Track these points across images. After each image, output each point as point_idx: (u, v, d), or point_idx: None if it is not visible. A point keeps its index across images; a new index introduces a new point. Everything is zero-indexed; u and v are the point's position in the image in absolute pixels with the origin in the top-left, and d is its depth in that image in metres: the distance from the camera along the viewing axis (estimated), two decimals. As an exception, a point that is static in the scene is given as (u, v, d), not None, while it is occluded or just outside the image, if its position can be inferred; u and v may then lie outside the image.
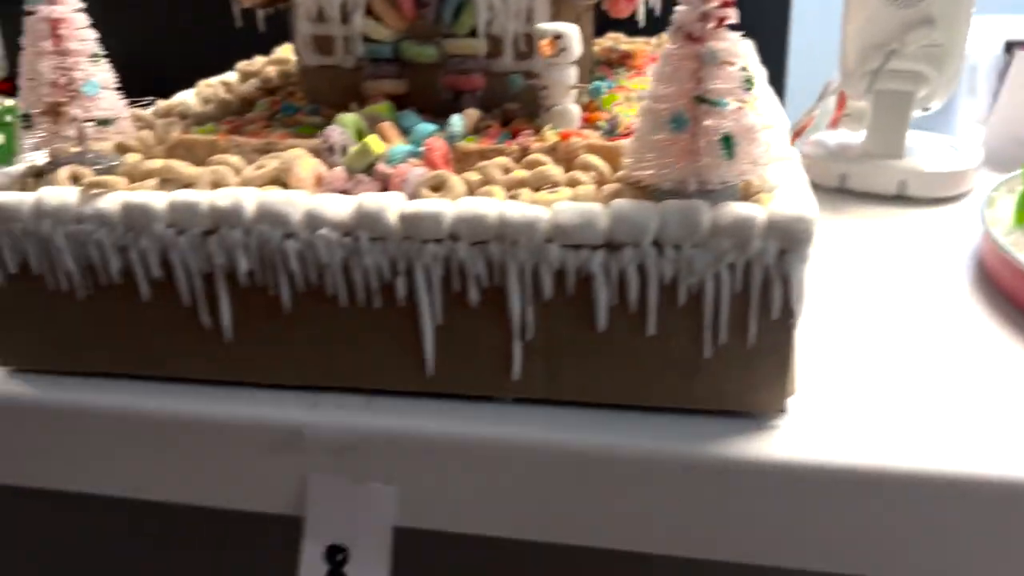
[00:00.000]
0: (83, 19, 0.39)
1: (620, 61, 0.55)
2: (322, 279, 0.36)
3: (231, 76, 0.60)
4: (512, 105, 0.45)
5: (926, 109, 0.62)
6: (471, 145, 0.39)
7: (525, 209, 0.34)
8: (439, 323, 0.36)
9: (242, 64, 0.61)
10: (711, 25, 0.32)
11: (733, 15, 0.32)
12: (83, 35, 0.39)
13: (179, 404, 0.38)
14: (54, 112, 0.38)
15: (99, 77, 0.39)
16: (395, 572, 0.38)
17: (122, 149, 0.43)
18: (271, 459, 0.38)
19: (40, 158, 0.42)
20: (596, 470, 0.35)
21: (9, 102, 0.71)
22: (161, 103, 0.51)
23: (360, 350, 0.37)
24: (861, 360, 0.40)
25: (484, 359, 0.36)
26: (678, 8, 0.32)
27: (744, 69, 0.33)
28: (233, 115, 0.49)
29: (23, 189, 0.39)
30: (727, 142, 0.32)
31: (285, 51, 0.65)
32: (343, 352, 0.37)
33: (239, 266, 0.36)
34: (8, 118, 0.69)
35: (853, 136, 0.65)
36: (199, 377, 0.39)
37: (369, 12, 0.45)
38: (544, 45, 0.40)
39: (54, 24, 0.38)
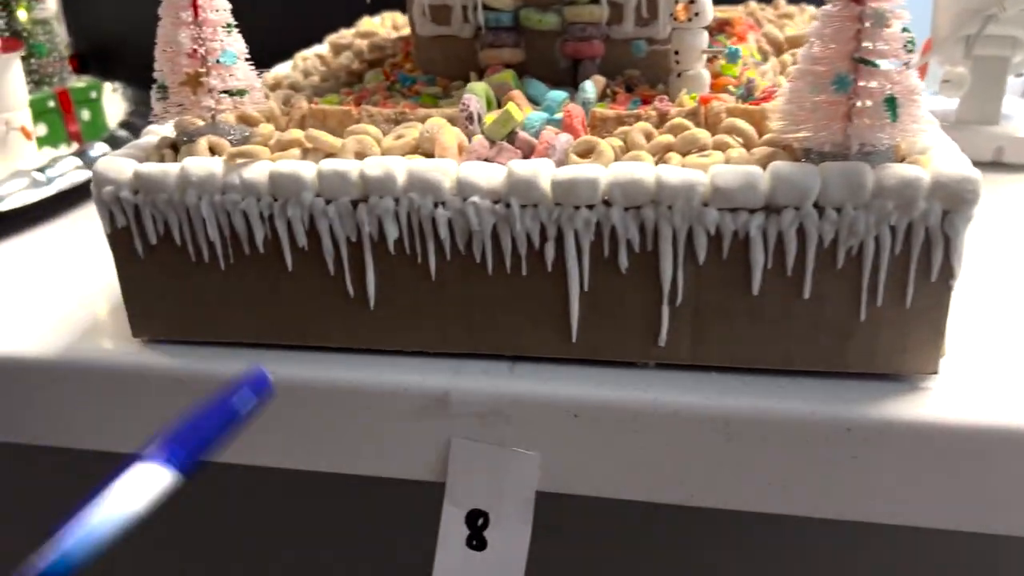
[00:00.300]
0: (218, -12, 0.39)
1: (719, 28, 0.55)
2: (470, 246, 0.36)
3: (323, 49, 0.60)
4: (633, 71, 0.45)
5: (1020, 74, 0.62)
6: (608, 111, 0.39)
7: (682, 173, 0.34)
8: (586, 289, 0.36)
9: (332, 37, 0.61)
10: (874, -15, 0.32)
11: (896, -25, 0.32)
12: (219, 5, 0.39)
13: (322, 372, 0.38)
14: (193, 83, 0.38)
15: (234, 47, 0.39)
16: (535, 536, 0.38)
17: (245, 120, 0.43)
18: (415, 425, 0.38)
19: (163, 131, 0.42)
20: (743, 434, 0.36)
21: (90, 79, 0.71)
22: (267, 75, 0.51)
23: (505, 316, 0.37)
24: (995, 322, 0.40)
25: (630, 324, 0.37)
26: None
27: (905, 30, 0.33)
28: (344, 86, 0.49)
29: (160, 161, 0.39)
30: (891, 103, 0.32)
31: (367, 24, 0.66)
32: (487, 318, 0.37)
33: (388, 234, 0.36)
34: (93, 95, 0.69)
35: (942, 103, 0.65)
36: (342, 345, 0.39)
37: (489, -19, 0.45)
38: (680, 10, 0.39)
39: (194, -6, 0.38)
